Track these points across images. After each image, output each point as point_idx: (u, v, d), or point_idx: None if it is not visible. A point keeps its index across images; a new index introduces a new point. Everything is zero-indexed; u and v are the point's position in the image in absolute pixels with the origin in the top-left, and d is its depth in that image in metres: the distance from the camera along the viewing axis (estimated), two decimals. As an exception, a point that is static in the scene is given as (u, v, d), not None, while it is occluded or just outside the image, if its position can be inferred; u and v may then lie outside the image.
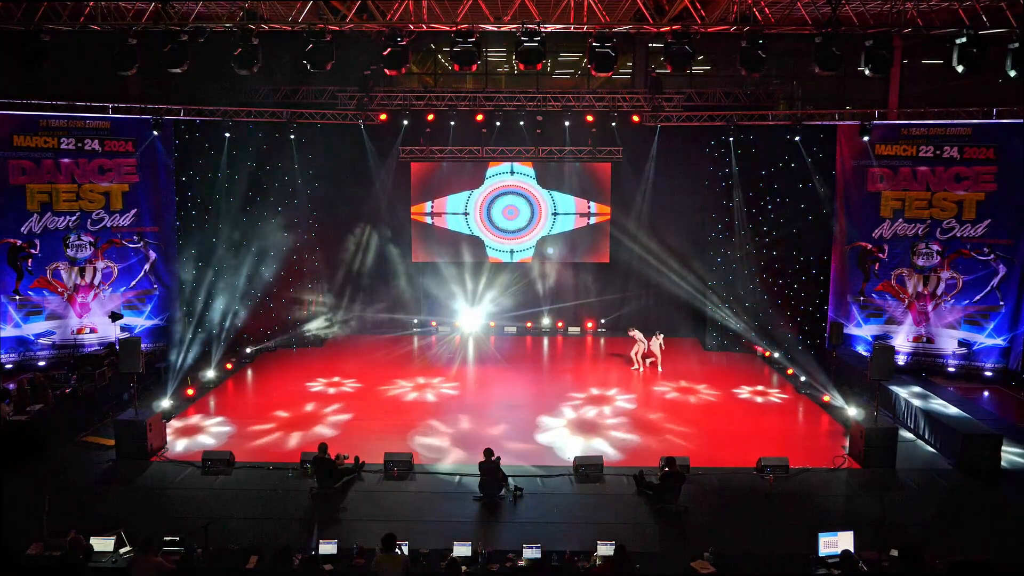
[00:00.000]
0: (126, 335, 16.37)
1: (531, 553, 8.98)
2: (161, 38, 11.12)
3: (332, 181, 20.52)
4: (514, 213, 21.63)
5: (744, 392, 16.65)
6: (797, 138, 18.43)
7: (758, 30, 11.24)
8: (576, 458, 12.26)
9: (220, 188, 19.01)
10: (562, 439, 13.74)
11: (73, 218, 17.58)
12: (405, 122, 19.48)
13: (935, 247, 17.73)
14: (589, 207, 21.49)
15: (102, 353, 16.66)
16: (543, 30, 11.15)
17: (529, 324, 22.03)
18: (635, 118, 19.20)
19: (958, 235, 17.55)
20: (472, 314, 21.87)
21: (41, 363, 17.09)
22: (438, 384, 17.02)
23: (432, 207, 21.60)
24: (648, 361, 18.43)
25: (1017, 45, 10.77)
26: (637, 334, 18.29)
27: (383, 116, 19.35)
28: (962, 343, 17.63)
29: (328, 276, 20.98)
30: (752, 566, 9.19)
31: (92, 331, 17.89)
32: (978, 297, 17.49)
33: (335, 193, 20.62)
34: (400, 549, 8.52)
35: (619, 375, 17.98)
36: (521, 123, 19.22)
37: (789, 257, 19.32)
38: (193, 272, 18.97)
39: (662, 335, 18.44)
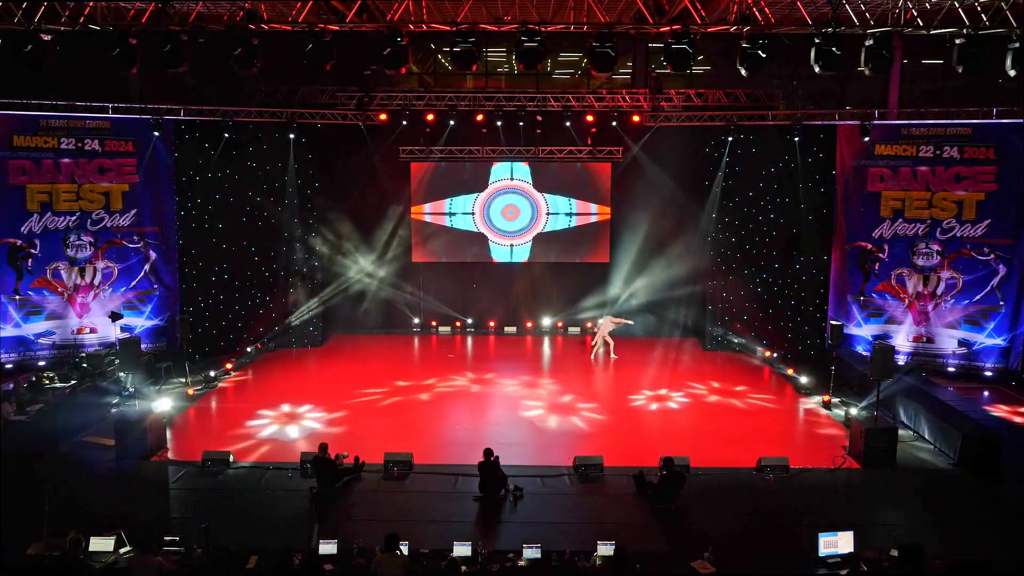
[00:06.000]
0: (126, 335, 16.38)
1: (531, 553, 8.97)
2: (161, 38, 11.12)
3: (332, 181, 20.51)
4: (514, 213, 21.62)
5: (744, 392, 16.64)
6: (797, 138, 18.44)
7: (758, 30, 11.25)
8: (576, 458, 12.26)
9: (220, 188, 19.01)
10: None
11: (73, 218, 17.57)
12: (405, 122, 19.47)
13: (935, 247, 17.73)
14: (589, 207, 21.49)
15: (102, 353, 16.67)
16: (543, 30, 11.15)
17: (529, 324, 22.04)
18: (635, 118, 19.20)
19: (958, 235, 17.54)
20: (473, 314, 21.94)
21: (41, 363, 17.08)
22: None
23: (432, 207, 21.59)
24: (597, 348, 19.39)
25: (1017, 45, 10.78)
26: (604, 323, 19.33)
27: (383, 116, 19.33)
28: (962, 343, 17.63)
29: (327, 275, 20.97)
30: (752, 566, 9.19)
31: (92, 331, 17.89)
32: (978, 297, 17.49)
33: (335, 193, 20.61)
34: (400, 549, 8.52)
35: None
36: (521, 123, 19.21)
37: (789, 257, 19.33)
38: (193, 272, 18.97)
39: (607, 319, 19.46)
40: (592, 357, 19.31)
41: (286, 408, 15.24)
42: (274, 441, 13.62)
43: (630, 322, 19.82)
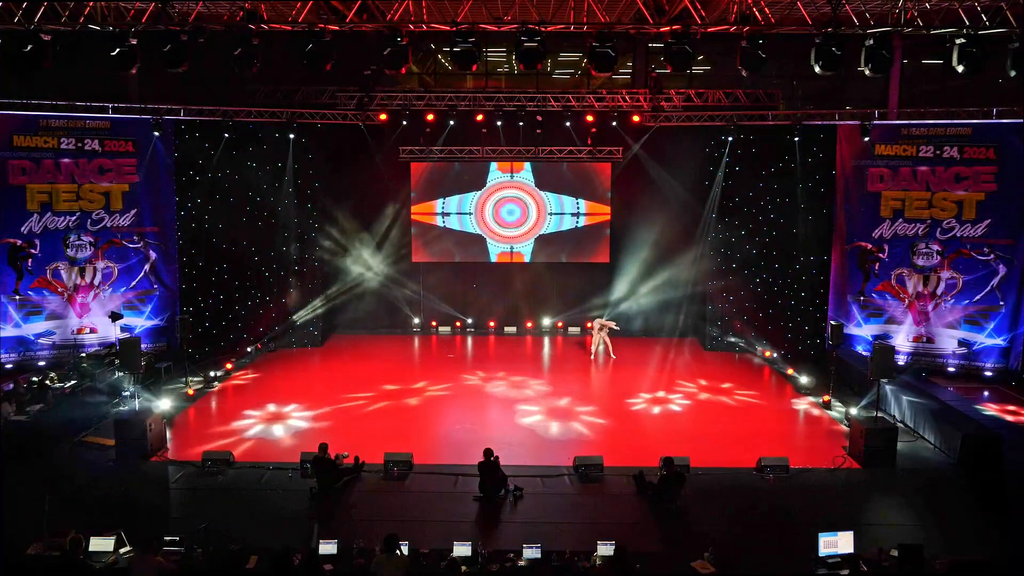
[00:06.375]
0: (126, 335, 16.38)
1: (531, 553, 8.97)
2: (161, 38, 11.12)
3: (332, 181, 20.52)
4: (514, 213, 21.62)
5: (744, 392, 16.64)
6: (797, 138, 18.45)
7: (758, 30, 11.24)
8: (576, 458, 12.27)
9: (220, 188, 19.01)
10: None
11: (73, 218, 17.57)
12: (405, 122, 19.47)
13: (935, 247, 17.73)
14: (589, 207, 21.48)
15: (102, 353, 16.66)
16: (543, 30, 11.14)
17: (530, 324, 22.05)
18: (635, 118, 19.19)
19: (958, 235, 17.54)
20: (473, 314, 21.96)
21: (41, 363, 17.08)
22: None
23: (432, 207, 21.59)
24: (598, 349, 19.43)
25: (1017, 45, 10.78)
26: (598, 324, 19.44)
27: (383, 116, 19.33)
28: (962, 343, 17.63)
29: (328, 275, 20.97)
30: (752, 566, 9.19)
31: (92, 331, 17.89)
32: (978, 297, 17.49)
33: (335, 193, 20.62)
34: (400, 549, 8.51)
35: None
36: (521, 123, 19.21)
37: (789, 257, 19.33)
38: (193, 272, 18.96)
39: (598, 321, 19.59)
40: (592, 358, 19.29)
41: (285, 409, 15.25)
42: (274, 441, 13.62)
43: (615, 327, 19.72)
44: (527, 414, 15.15)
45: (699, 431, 14.27)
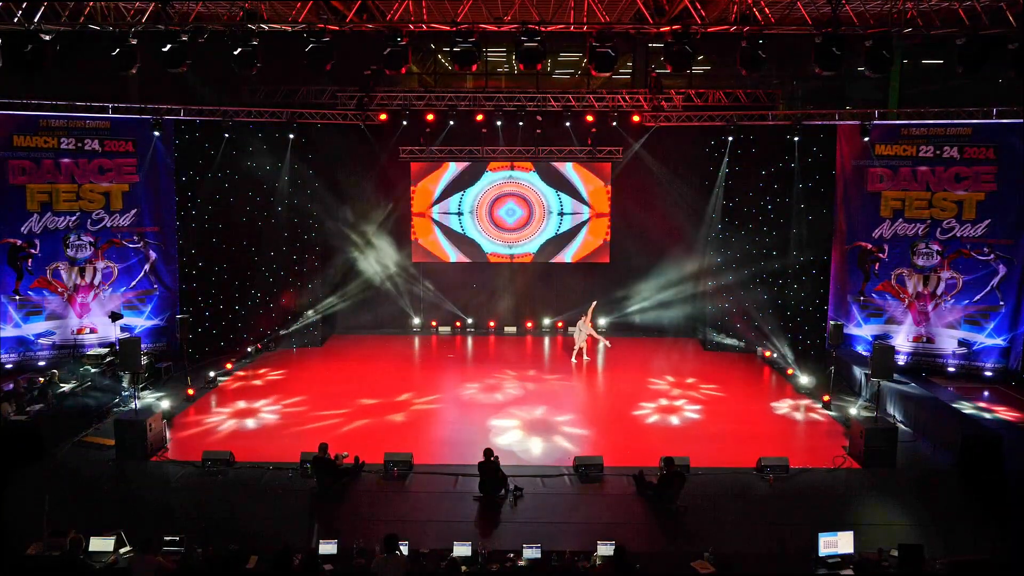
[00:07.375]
0: (126, 335, 16.38)
1: (531, 553, 8.98)
2: (161, 38, 11.12)
3: (332, 181, 20.53)
4: (514, 213, 21.63)
5: (743, 392, 16.63)
6: (797, 138, 18.45)
7: (758, 30, 11.24)
8: (576, 458, 12.27)
9: (220, 188, 19.01)
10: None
11: (73, 218, 17.58)
12: (405, 122, 19.48)
13: (935, 247, 17.73)
14: (589, 207, 21.49)
15: (102, 353, 16.66)
16: (543, 30, 11.14)
17: (530, 324, 22.04)
18: (635, 118, 19.19)
19: (958, 235, 17.54)
20: (473, 314, 21.96)
21: (41, 363, 17.08)
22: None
23: (432, 207, 21.60)
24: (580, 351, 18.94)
25: (1017, 45, 10.77)
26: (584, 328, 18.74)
27: (383, 116, 19.34)
28: (962, 343, 17.63)
29: (328, 275, 20.97)
30: (752, 566, 9.20)
31: (92, 331, 17.89)
32: (978, 297, 17.49)
33: (334, 193, 20.63)
34: (400, 549, 8.52)
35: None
36: (521, 123, 19.21)
37: (789, 257, 19.33)
38: (193, 272, 18.97)
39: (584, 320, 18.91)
40: (588, 359, 19.17)
41: (285, 408, 15.26)
42: (275, 440, 13.60)
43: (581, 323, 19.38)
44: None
45: (699, 431, 14.28)
